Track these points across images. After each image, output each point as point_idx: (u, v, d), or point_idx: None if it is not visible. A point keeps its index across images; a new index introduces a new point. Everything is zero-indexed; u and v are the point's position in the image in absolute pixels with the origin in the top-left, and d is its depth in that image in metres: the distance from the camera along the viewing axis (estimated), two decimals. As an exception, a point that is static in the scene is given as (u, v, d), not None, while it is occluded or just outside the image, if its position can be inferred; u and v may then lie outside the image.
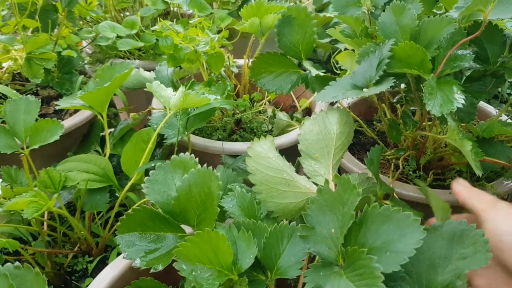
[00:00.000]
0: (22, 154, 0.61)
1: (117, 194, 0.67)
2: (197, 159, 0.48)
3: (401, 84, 0.71)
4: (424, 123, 0.66)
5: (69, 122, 0.79)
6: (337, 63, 0.98)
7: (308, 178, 0.46)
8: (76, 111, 0.85)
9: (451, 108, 0.47)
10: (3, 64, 0.88)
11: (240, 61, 0.97)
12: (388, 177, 0.67)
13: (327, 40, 1.10)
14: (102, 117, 0.67)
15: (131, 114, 0.80)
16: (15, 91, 0.82)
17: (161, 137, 0.72)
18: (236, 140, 0.84)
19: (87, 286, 0.57)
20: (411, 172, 0.70)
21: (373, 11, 0.64)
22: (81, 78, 0.89)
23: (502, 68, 0.60)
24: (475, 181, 0.69)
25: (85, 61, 1.01)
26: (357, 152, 0.78)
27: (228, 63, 0.90)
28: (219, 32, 0.95)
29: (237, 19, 1.11)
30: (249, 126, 0.86)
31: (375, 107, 0.81)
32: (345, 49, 0.89)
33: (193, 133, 0.80)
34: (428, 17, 0.55)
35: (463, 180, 0.48)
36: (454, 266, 0.37)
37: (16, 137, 0.63)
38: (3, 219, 0.64)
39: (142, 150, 0.65)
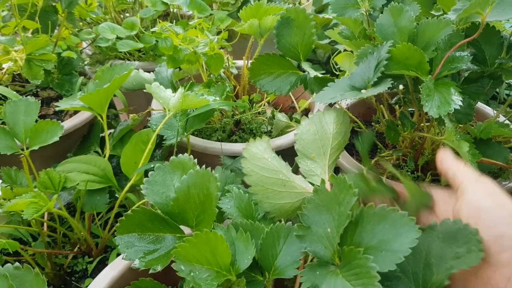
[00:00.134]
0: (22, 155, 0.61)
1: (116, 195, 0.68)
2: (196, 160, 0.49)
3: (399, 86, 0.71)
4: (422, 124, 0.66)
5: (69, 123, 0.79)
6: (337, 64, 0.99)
7: (305, 177, 0.47)
8: (76, 112, 0.85)
9: (449, 110, 0.47)
10: (3, 65, 0.88)
11: (240, 62, 0.98)
12: (387, 178, 0.67)
13: (327, 41, 1.10)
14: (101, 118, 0.67)
15: (131, 115, 0.80)
16: (15, 92, 0.82)
17: (160, 138, 0.72)
18: (236, 141, 0.84)
19: (87, 286, 0.57)
20: (409, 173, 0.70)
21: (371, 12, 0.65)
22: (81, 79, 0.89)
23: (499, 70, 0.60)
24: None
25: (85, 62, 1.01)
26: (356, 153, 0.78)
27: (227, 64, 0.90)
28: (218, 33, 0.96)
29: (236, 20, 1.12)
30: (249, 127, 0.86)
31: (373, 108, 0.81)
32: (345, 50, 0.90)
33: (193, 134, 0.81)
34: (426, 19, 0.55)
35: (449, 149, 0.47)
36: (448, 265, 0.37)
37: (16, 138, 0.63)
38: (3, 220, 0.65)
39: (141, 151, 0.66)
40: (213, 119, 0.85)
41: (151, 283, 0.49)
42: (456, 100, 0.49)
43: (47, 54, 0.82)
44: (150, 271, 0.42)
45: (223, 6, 1.22)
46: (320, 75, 0.65)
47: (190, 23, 0.98)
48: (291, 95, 0.97)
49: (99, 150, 0.80)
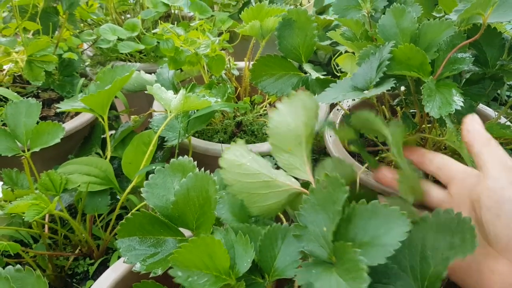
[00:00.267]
0: (23, 156, 0.61)
1: (118, 197, 0.68)
2: (197, 162, 0.49)
3: (401, 87, 0.71)
4: (423, 125, 0.66)
5: (70, 125, 0.79)
6: (338, 66, 0.99)
7: (285, 171, 0.46)
8: (77, 113, 0.85)
9: (450, 110, 0.47)
10: (4, 67, 0.88)
11: (241, 64, 0.98)
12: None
13: (328, 42, 1.10)
14: (103, 119, 0.67)
15: (132, 116, 0.80)
16: (16, 94, 0.82)
17: (162, 140, 0.72)
18: (237, 143, 0.84)
19: (88, 288, 0.57)
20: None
21: (373, 14, 0.64)
22: (82, 80, 0.89)
23: (501, 71, 0.60)
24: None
25: (86, 64, 1.01)
26: (357, 154, 0.78)
27: (229, 65, 0.90)
28: (220, 34, 0.96)
29: (238, 21, 1.12)
30: (250, 128, 0.86)
31: (375, 109, 0.81)
32: (346, 51, 0.90)
33: (194, 135, 0.80)
34: (428, 20, 0.55)
35: (478, 118, 0.43)
36: (444, 256, 0.37)
37: (17, 139, 0.63)
38: (4, 222, 0.65)
39: (143, 153, 0.66)
40: (215, 121, 0.85)
41: (153, 285, 0.49)
42: (458, 101, 0.49)
43: (48, 55, 0.82)
44: (151, 275, 0.42)
45: (224, 8, 1.22)
46: (321, 77, 0.65)
47: (192, 24, 0.98)
48: (292, 96, 0.96)
49: (101, 152, 0.80)
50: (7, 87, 0.87)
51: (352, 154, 0.75)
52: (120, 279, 0.51)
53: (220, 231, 0.43)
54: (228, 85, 0.79)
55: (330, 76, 0.67)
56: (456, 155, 0.66)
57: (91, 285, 0.50)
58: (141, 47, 0.99)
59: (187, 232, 0.47)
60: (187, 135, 0.71)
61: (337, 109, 0.84)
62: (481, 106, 0.85)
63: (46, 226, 0.67)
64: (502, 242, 0.37)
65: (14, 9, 0.84)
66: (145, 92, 0.69)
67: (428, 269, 0.37)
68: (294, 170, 0.45)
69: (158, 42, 0.97)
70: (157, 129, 0.69)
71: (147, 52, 1.07)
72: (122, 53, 1.03)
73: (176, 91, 0.77)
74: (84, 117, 0.83)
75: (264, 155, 0.48)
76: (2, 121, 0.77)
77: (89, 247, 0.67)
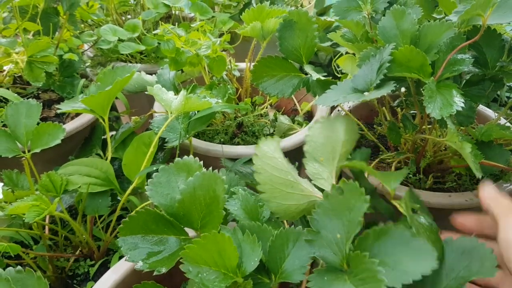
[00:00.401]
0: (24, 157, 0.61)
1: (118, 198, 0.67)
2: (201, 162, 0.49)
3: (401, 88, 0.71)
4: (424, 127, 0.66)
5: (70, 126, 0.79)
6: (338, 67, 0.99)
7: (310, 180, 0.47)
8: (77, 114, 0.85)
9: (451, 111, 0.47)
10: (4, 68, 0.88)
11: (242, 65, 0.98)
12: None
13: (329, 43, 1.11)
14: (103, 120, 0.67)
15: (133, 117, 0.80)
16: (16, 95, 0.82)
17: (162, 141, 0.72)
18: (238, 144, 0.84)
19: (88, 289, 0.57)
20: (411, 175, 0.70)
21: (374, 15, 0.65)
22: (82, 81, 0.89)
23: (500, 72, 0.60)
24: (475, 184, 0.69)
25: (87, 65, 1.01)
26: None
27: (229, 66, 0.90)
28: (220, 35, 0.96)
29: (239, 22, 1.12)
30: (251, 129, 0.86)
31: (375, 111, 0.81)
32: (346, 52, 0.90)
33: (195, 136, 0.80)
34: (428, 21, 0.55)
35: (489, 182, 0.46)
36: (459, 276, 0.37)
37: (17, 140, 0.63)
38: (5, 223, 0.65)
39: (143, 154, 0.66)
40: (216, 122, 0.85)
41: (154, 286, 0.49)
42: (458, 102, 0.49)
43: (49, 56, 0.82)
44: (155, 273, 0.42)
45: (225, 9, 1.22)
46: (322, 78, 0.65)
47: (192, 25, 0.98)
48: (293, 97, 0.97)
49: (101, 153, 0.80)
50: (8, 88, 0.87)
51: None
52: (121, 280, 0.51)
53: (227, 229, 0.43)
54: (229, 86, 0.79)
55: (331, 78, 0.67)
56: (457, 156, 0.66)
57: (91, 287, 0.50)
58: (142, 48, 0.99)
59: (190, 232, 0.47)
60: (187, 136, 0.71)
61: (338, 110, 0.84)
62: (481, 107, 0.85)
63: (47, 227, 0.67)
64: None
65: (14, 10, 0.84)
66: (146, 93, 0.69)
67: (440, 286, 0.38)
68: (320, 180, 0.46)
69: (159, 43, 0.98)
70: (157, 130, 0.69)
71: (148, 53, 1.07)
72: (122, 54, 1.03)
73: (177, 92, 0.77)
74: (85, 118, 0.83)
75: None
76: (2, 122, 0.77)
77: (89, 248, 0.67)
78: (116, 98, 0.75)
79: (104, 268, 0.67)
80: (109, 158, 0.69)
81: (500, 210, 0.41)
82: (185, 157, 0.49)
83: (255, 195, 0.51)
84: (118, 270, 0.52)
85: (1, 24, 0.95)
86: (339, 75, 0.98)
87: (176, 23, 1.01)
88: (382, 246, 0.36)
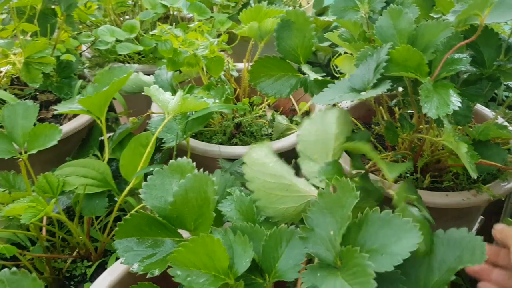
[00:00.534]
0: (20, 159, 0.61)
1: (116, 199, 0.67)
2: (196, 163, 0.48)
3: (399, 88, 0.71)
4: (421, 126, 0.66)
5: (67, 127, 0.79)
6: (337, 67, 0.99)
7: (307, 179, 0.46)
8: (75, 115, 0.85)
9: (447, 111, 0.47)
10: (2, 69, 0.88)
11: (240, 65, 0.98)
12: (386, 179, 0.67)
13: (327, 43, 1.10)
14: (101, 121, 0.67)
15: (130, 118, 0.80)
16: (13, 96, 0.82)
17: (160, 141, 0.72)
18: (236, 144, 0.84)
19: (85, 291, 0.57)
20: (408, 175, 0.70)
21: (371, 15, 0.64)
22: (80, 82, 0.89)
23: (498, 72, 0.60)
24: (472, 183, 0.69)
25: (84, 65, 1.01)
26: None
27: (227, 67, 0.90)
28: (218, 36, 0.96)
29: (237, 23, 1.11)
30: (249, 129, 0.86)
31: (373, 110, 0.81)
32: (345, 52, 0.89)
33: (193, 137, 0.80)
34: (426, 21, 0.55)
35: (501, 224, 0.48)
36: (451, 267, 0.38)
37: (14, 142, 0.63)
38: (1, 225, 0.64)
39: (141, 154, 0.65)
40: (214, 122, 0.85)
41: (150, 287, 0.49)
42: (455, 101, 0.49)
43: (46, 57, 0.82)
44: (148, 276, 0.42)
45: (223, 9, 1.22)
46: (320, 78, 0.65)
47: (190, 25, 0.98)
48: (291, 97, 0.97)
49: (98, 154, 0.80)
50: (5, 89, 0.87)
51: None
52: (117, 281, 0.51)
53: (219, 231, 0.43)
54: (227, 86, 0.79)
55: (329, 77, 0.67)
56: (454, 155, 0.66)
57: (88, 288, 0.50)
58: (140, 48, 0.99)
59: (185, 234, 0.47)
60: (185, 136, 0.71)
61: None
62: (479, 107, 0.85)
63: (44, 229, 0.66)
64: None
65: (12, 11, 0.84)
66: (143, 93, 0.69)
67: (432, 278, 0.38)
68: (316, 179, 0.46)
69: (157, 44, 0.97)
70: (155, 131, 0.69)
71: (146, 54, 1.07)
72: (120, 55, 1.03)
73: (174, 92, 0.76)
74: (82, 119, 0.82)
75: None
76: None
77: (87, 250, 0.67)
78: (114, 99, 0.75)
79: (101, 269, 0.66)
80: (106, 159, 0.69)
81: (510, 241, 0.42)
82: (179, 158, 0.49)
83: (251, 197, 0.51)
84: (115, 271, 0.51)
85: (-1, 25, 0.95)
86: (337, 75, 0.98)
87: (174, 24, 1.01)
88: (366, 234, 0.36)
